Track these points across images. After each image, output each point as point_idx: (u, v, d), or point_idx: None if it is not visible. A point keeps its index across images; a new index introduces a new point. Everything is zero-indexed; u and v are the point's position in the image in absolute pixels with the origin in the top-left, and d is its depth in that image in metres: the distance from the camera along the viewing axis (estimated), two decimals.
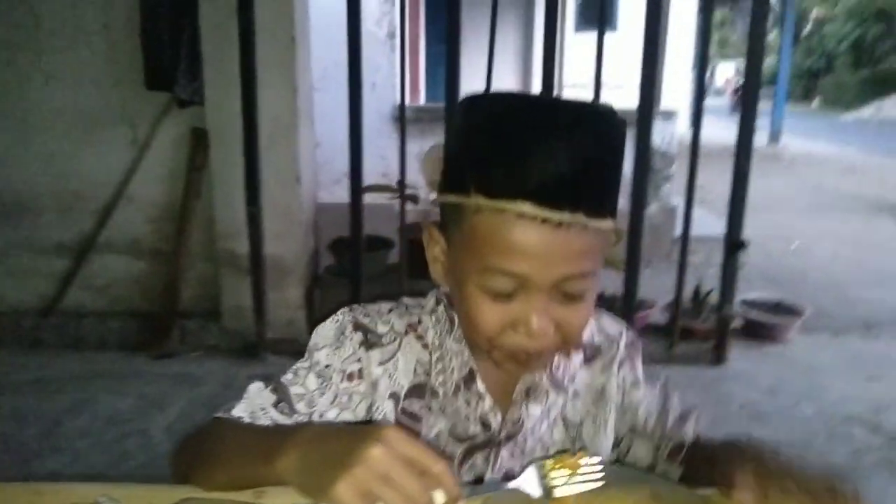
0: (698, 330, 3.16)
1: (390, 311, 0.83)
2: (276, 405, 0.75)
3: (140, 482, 0.72)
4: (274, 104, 2.81)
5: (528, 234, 0.64)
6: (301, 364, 0.80)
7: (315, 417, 0.76)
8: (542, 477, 0.66)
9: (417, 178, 3.24)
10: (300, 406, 0.76)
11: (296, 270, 3.05)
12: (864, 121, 18.82)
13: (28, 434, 2.36)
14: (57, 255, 3.16)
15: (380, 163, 4.48)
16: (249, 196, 2.79)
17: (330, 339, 0.80)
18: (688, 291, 3.18)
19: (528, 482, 0.66)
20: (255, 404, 0.76)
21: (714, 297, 3.11)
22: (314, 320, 3.06)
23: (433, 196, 3.18)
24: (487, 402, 0.80)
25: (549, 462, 0.67)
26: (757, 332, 3.33)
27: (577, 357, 0.86)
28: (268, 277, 2.93)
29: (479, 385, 0.79)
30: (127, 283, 3.20)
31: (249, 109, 2.70)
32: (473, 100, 0.71)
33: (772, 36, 15.90)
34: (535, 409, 0.81)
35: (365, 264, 2.88)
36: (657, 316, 3.30)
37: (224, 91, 2.77)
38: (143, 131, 3.04)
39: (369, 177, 2.80)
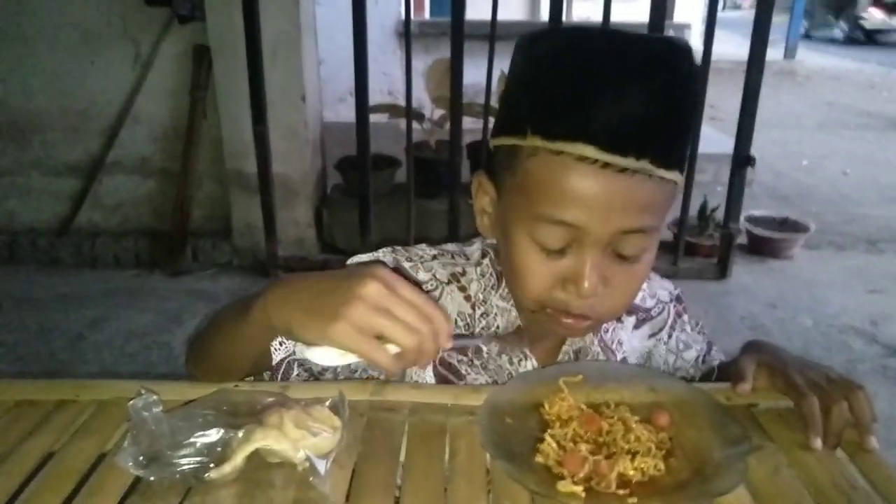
0: (703, 246, 3.20)
1: (434, 258, 0.79)
2: None
3: None
4: (276, 18, 2.74)
5: (588, 179, 0.59)
6: None
7: None
8: None
9: (422, 95, 3.20)
10: None
11: (304, 189, 3.07)
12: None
13: (55, 347, 2.46)
14: (67, 175, 3.18)
15: (383, 80, 4.41)
16: (255, 115, 2.77)
17: None
18: (694, 209, 3.20)
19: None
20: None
21: (720, 214, 3.12)
22: (324, 238, 3.12)
23: (438, 113, 3.17)
24: (531, 363, 0.78)
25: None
26: (761, 248, 3.36)
27: (629, 320, 0.85)
28: (276, 196, 2.95)
29: (525, 347, 0.77)
30: (137, 202, 3.24)
31: (251, 24, 2.64)
32: (534, 37, 0.65)
33: None
34: None
35: (372, 183, 2.89)
36: (663, 232, 3.33)
37: (225, 6, 2.70)
38: (146, 48, 2.99)
39: (373, 94, 2.77)
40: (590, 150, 0.58)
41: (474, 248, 0.80)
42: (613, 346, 0.83)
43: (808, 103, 8.10)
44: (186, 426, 0.61)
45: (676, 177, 0.62)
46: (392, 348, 0.58)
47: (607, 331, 0.83)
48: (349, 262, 0.80)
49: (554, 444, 0.64)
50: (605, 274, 0.64)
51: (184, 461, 0.58)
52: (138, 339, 2.52)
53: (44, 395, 0.73)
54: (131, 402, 0.60)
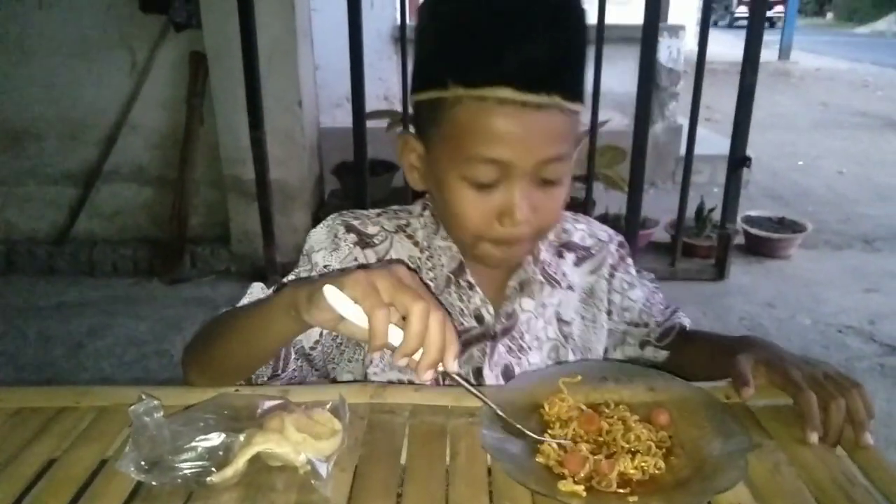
0: (700, 247, 3.20)
1: (379, 215, 0.86)
2: None
3: None
4: (272, 25, 2.75)
5: (510, 119, 0.66)
6: (301, 267, 0.83)
7: None
8: None
9: None
10: None
11: (301, 195, 3.08)
12: (878, 34, 18.21)
13: (54, 355, 2.46)
14: (64, 183, 3.18)
15: (379, 85, 4.40)
16: (252, 121, 2.77)
17: (324, 242, 0.82)
18: (691, 210, 3.20)
19: None
20: (256, 299, 0.79)
21: (717, 215, 3.13)
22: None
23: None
24: (478, 294, 0.82)
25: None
26: (759, 249, 3.37)
27: (570, 256, 0.90)
28: (274, 202, 2.95)
29: (469, 276, 0.82)
30: (135, 210, 3.24)
31: (247, 31, 2.64)
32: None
33: None
34: (528, 304, 0.84)
35: (369, 188, 2.89)
36: (660, 234, 3.34)
37: (221, 13, 2.71)
38: (142, 56, 2.99)
39: (369, 100, 2.77)
40: (509, 92, 0.65)
41: (415, 206, 0.87)
42: (558, 277, 0.87)
43: (802, 103, 8.13)
44: (187, 431, 0.61)
45: (580, 107, 0.70)
46: (394, 338, 0.59)
47: (549, 265, 0.87)
48: (308, 236, 0.85)
49: (554, 445, 0.64)
50: (533, 201, 0.71)
51: (185, 466, 0.59)
52: (137, 346, 2.51)
53: (44, 402, 0.73)
54: (132, 407, 0.60)
